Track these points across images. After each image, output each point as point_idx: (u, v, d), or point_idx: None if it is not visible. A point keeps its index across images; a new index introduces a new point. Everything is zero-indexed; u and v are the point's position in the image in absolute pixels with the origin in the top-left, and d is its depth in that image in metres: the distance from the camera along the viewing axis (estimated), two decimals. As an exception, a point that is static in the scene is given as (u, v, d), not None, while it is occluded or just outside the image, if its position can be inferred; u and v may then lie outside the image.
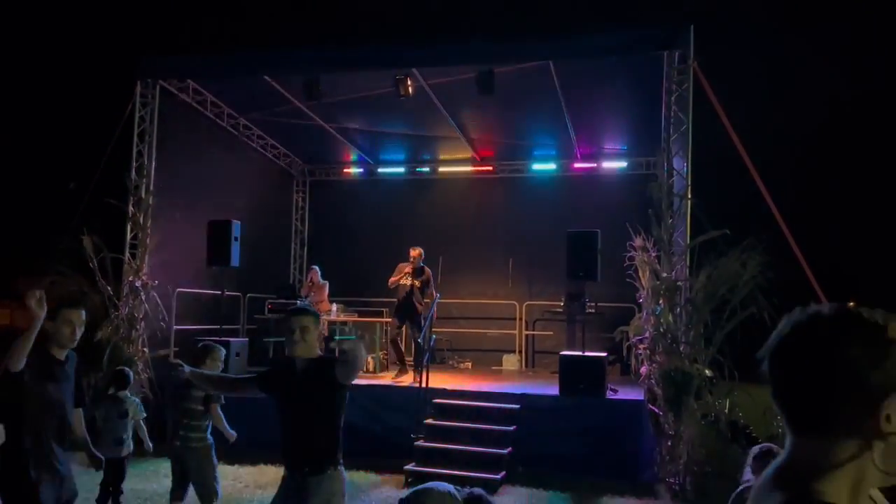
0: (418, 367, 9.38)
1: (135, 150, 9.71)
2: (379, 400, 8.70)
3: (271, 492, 6.87)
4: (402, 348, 10.15)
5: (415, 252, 9.73)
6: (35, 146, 15.94)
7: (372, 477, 7.59)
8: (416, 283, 9.63)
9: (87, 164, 9.94)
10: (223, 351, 5.50)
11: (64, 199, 10.46)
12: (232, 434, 5.39)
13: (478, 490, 3.11)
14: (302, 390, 3.57)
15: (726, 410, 7.64)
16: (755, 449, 4.00)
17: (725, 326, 7.46)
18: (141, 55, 9.94)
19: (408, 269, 9.67)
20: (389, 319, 11.78)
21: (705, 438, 7.42)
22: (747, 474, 3.97)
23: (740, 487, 3.99)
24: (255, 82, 10.18)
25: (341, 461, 3.72)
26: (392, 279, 9.74)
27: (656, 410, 7.62)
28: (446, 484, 3.74)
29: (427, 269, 9.83)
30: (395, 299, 10.15)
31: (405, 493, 4.04)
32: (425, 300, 9.66)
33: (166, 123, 10.00)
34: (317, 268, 11.82)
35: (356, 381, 9.24)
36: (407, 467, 7.51)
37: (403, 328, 10.14)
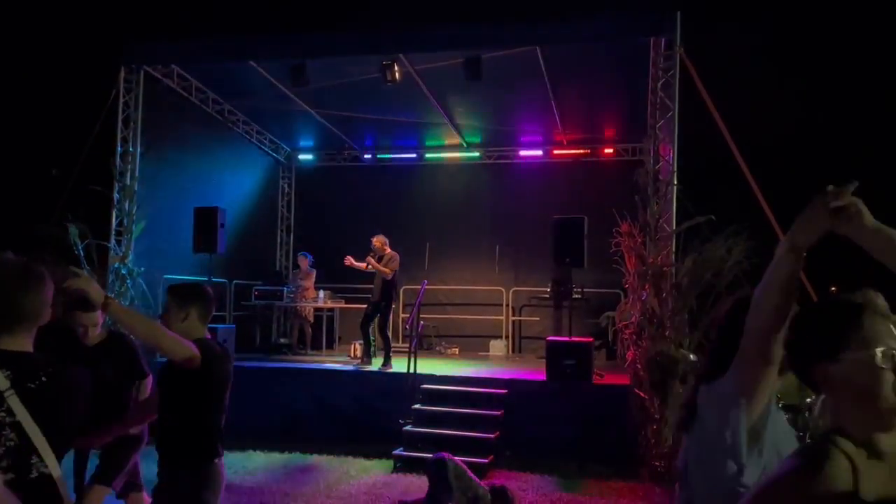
0: (388, 355, 9.42)
1: (119, 137, 9.63)
2: (367, 386, 8.75)
3: (260, 477, 6.95)
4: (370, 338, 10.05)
5: (374, 239, 9.79)
6: (17, 132, 15.75)
7: (361, 462, 7.64)
8: (378, 266, 9.62)
9: (71, 150, 9.84)
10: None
11: (48, 185, 10.36)
12: None
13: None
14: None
15: (711, 394, 7.72)
16: None
17: (711, 311, 7.52)
18: (125, 40, 9.83)
19: (370, 259, 9.69)
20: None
21: (690, 422, 7.50)
22: None
23: None
24: (241, 68, 10.10)
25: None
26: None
27: (642, 395, 7.69)
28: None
29: (388, 252, 9.73)
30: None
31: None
32: (387, 272, 9.56)
33: (151, 109, 9.91)
34: (305, 255, 11.81)
35: (345, 368, 9.28)
36: (395, 452, 7.56)
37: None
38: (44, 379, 1.92)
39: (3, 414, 1.83)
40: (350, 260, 9.85)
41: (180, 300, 3.17)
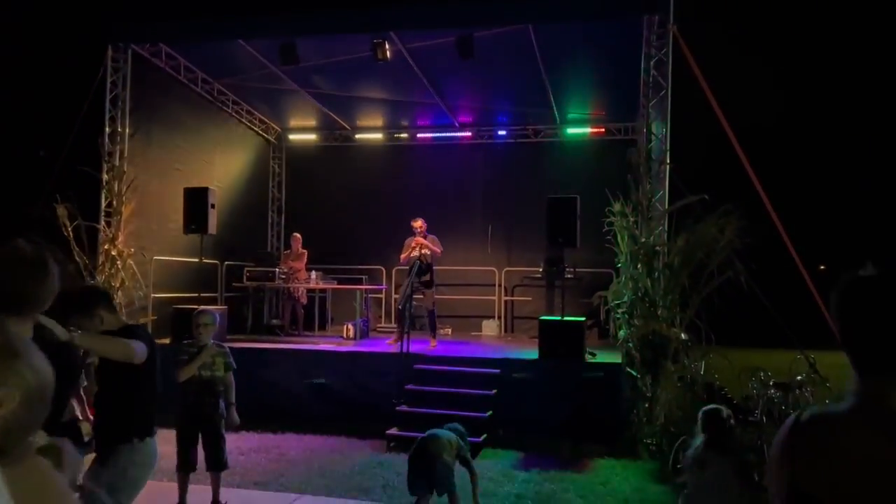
0: (433, 332, 9.62)
1: (107, 117, 9.54)
2: (360, 366, 8.76)
3: (254, 458, 6.96)
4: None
5: (416, 223, 9.50)
6: (4, 113, 15.55)
7: (354, 441, 7.67)
8: (426, 251, 9.37)
9: (59, 130, 9.74)
10: (212, 315, 5.47)
11: (36, 166, 10.26)
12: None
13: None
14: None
15: (702, 373, 7.78)
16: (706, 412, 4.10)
17: (702, 290, 7.56)
18: (111, 19, 9.69)
19: (415, 242, 9.41)
20: (368, 286, 11.80)
21: (682, 400, 7.56)
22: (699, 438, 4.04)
23: (691, 451, 4.07)
24: (230, 47, 9.99)
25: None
26: (403, 255, 9.48)
27: (634, 373, 7.73)
28: (447, 431, 4.16)
29: (431, 235, 9.59)
30: (380, 267, 10.18)
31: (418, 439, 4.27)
32: (438, 252, 9.51)
33: (139, 89, 9.81)
34: (298, 235, 11.77)
35: (337, 349, 9.29)
36: (389, 432, 7.59)
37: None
38: None
39: None
40: (420, 241, 9.47)
41: (85, 309, 3.26)
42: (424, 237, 9.45)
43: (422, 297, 9.70)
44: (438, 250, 9.53)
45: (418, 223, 9.51)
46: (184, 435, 5.26)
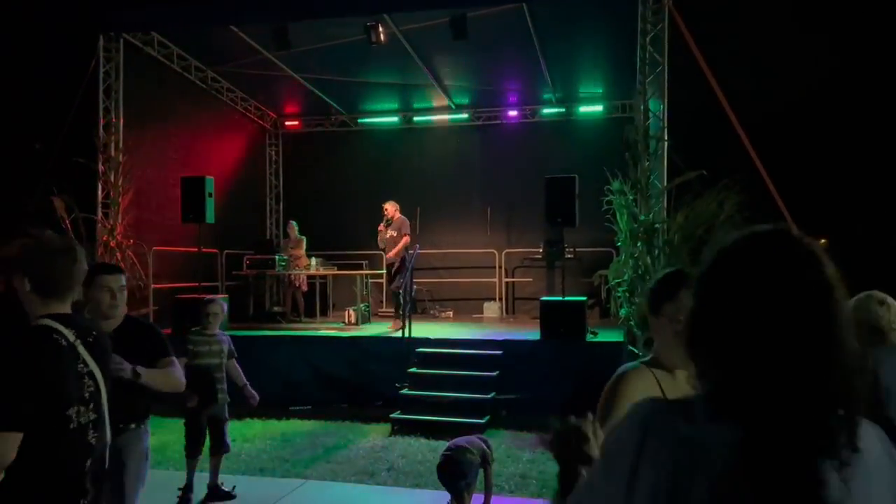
0: (398, 317, 9.50)
1: (101, 107, 9.47)
2: (364, 351, 8.76)
3: (259, 444, 6.98)
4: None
5: (385, 206, 9.82)
6: (-3, 106, 15.46)
7: (358, 426, 7.69)
8: (392, 233, 9.67)
9: (53, 122, 9.67)
10: (221, 304, 5.59)
11: (31, 159, 10.20)
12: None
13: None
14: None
15: (704, 349, 7.77)
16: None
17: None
18: (102, 7, 9.60)
19: (381, 226, 9.79)
20: (368, 272, 11.80)
21: (684, 377, 7.55)
22: None
23: None
24: (222, 33, 9.91)
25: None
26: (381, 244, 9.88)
27: (636, 351, 7.73)
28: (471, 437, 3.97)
29: (398, 217, 9.80)
30: (380, 252, 10.26)
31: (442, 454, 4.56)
32: (397, 245, 9.65)
33: (132, 78, 9.74)
34: (293, 222, 11.75)
35: (340, 333, 9.29)
36: (393, 415, 7.60)
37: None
38: (95, 334, 2.30)
39: (82, 365, 2.19)
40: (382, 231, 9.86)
41: (89, 280, 3.17)
42: (389, 223, 9.70)
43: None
44: (400, 244, 9.63)
45: (385, 206, 9.77)
46: (191, 422, 5.31)
